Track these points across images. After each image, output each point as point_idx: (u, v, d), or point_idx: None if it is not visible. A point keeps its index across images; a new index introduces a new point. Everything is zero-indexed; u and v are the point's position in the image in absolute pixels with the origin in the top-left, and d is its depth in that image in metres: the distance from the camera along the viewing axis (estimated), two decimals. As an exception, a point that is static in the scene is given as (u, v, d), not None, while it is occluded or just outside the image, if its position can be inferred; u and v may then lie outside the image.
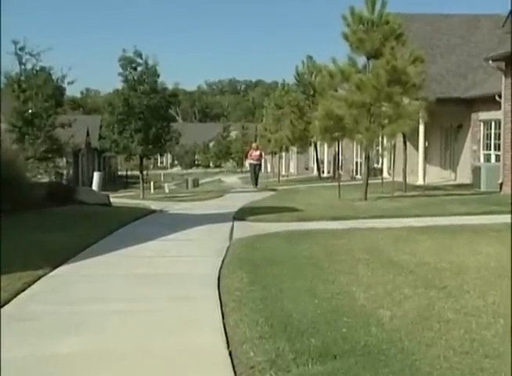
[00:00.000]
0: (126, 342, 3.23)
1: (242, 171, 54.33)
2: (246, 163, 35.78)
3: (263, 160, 27.42)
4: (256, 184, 20.82)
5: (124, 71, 18.55)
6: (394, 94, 11.31)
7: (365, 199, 12.17)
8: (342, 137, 12.61)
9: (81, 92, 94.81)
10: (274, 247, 6.22)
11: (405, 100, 12.00)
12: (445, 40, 19.50)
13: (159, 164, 74.43)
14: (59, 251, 5.79)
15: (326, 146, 29.00)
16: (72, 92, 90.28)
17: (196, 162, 71.79)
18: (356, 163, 26.36)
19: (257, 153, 21.04)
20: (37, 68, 19.55)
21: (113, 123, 18.40)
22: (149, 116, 18.22)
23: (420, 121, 13.60)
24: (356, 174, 25.87)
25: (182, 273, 5.08)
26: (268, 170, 37.62)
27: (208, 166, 68.90)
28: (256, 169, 20.99)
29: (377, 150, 20.33)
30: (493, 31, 18.62)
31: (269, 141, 27.92)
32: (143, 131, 18.13)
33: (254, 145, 22.47)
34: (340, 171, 21.20)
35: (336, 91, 12.71)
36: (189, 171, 62.04)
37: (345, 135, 12.14)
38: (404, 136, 14.88)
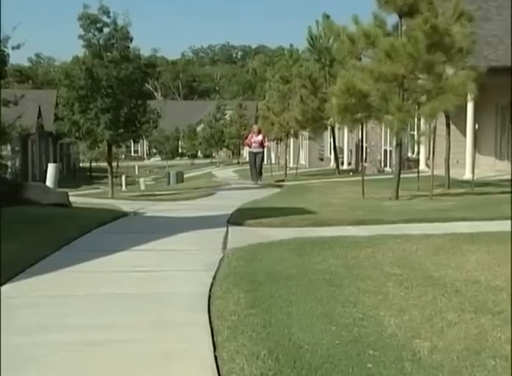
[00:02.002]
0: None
1: (239, 163, 54.51)
2: (246, 152, 35.77)
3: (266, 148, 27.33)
4: (257, 179, 20.79)
5: (85, 33, 18.53)
6: (435, 62, 11.33)
7: (397, 198, 12.25)
8: (367, 119, 12.68)
9: (30, 60, 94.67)
10: (280, 259, 6.28)
11: (449, 70, 12.03)
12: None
13: (132, 154, 74.59)
14: (1, 267, 5.77)
15: (346, 130, 29.29)
16: (18, 59, 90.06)
17: (181, 151, 71.91)
18: (385, 152, 26.50)
19: (259, 138, 20.82)
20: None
21: (73, 100, 18.41)
22: (120, 91, 18.25)
23: (469, 97, 13.57)
24: (385, 166, 26.12)
25: (162, 293, 5.13)
26: (272, 161, 37.75)
27: (196, 156, 69.02)
28: (257, 160, 20.83)
29: (412, 136, 20.40)
30: None
31: (273, 124, 28.06)
32: (112, 111, 18.15)
33: (254, 127, 22.33)
34: (365, 163, 21.28)
35: (359, 60, 12.78)
36: (172, 162, 62.22)
37: (371, 117, 12.22)
38: (447, 117, 14.90)
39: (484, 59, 15.82)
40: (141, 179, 33.01)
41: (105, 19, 18.51)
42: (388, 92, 11.58)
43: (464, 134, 18.16)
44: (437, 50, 11.33)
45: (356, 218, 9.35)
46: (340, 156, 30.11)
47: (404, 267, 5.74)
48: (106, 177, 21.86)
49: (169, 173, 33.91)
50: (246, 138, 22.12)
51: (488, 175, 17.86)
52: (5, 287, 5.27)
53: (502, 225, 8.23)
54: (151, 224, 9.81)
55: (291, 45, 31.59)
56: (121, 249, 7.04)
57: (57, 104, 26.83)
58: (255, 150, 20.84)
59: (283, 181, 22.35)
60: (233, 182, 24.68)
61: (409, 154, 23.17)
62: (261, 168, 21.13)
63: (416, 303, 4.54)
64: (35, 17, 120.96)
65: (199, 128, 68.18)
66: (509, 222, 8.61)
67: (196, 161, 65.15)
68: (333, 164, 31.59)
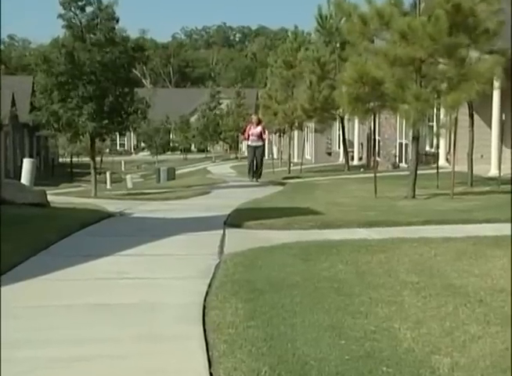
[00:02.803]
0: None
1: (237, 158, 54.60)
2: (245, 146, 35.74)
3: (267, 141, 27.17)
4: (257, 176, 20.55)
5: (66, 12, 18.50)
6: (458, 45, 11.33)
7: (414, 197, 12.28)
8: (380, 109, 12.89)
9: (2, 43, 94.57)
10: (282, 265, 6.30)
11: (474, 54, 11.99)
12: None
13: (118, 148, 74.61)
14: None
15: (357, 121, 29.29)
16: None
17: (172, 145, 71.85)
18: (400, 146, 26.53)
19: (258, 129, 20.53)
20: None
21: (52, 87, 18.39)
22: (104, 78, 18.24)
23: (495, 84, 13.55)
24: (400, 161, 26.09)
25: (152, 303, 5.14)
26: (274, 155, 37.78)
27: (189, 150, 69.01)
28: (257, 154, 20.47)
29: (431, 127, 20.35)
30: None
31: (276, 114, 27.97)
32: (95, 100, 18.14)
33: (253, 117, 22.05)
34: (378, 158, 21.25)
35: (372, 42, 12.84)
36: (162, 157, 62.21)
37: (385, 106, 12.32)
38: (470, 107, 14.89)
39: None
40: (128, 176, 32.93)
41: (87, -4, 18.53)
42: (404, 78, 11.60)
43: (489, 125, 18.15)
44: (460, 31, 11.34)
45: (368, 219, 9.35)
46: (349, 150, 30.08)
47: (421, 274, 5.74)
48: (89, 174, 21.90)
49: (159, 169, 33.91)
50: (245, 130, 21.84)
51: (517, 172, 17.86)
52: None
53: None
54: (139, 226, 9.84)
55: (296, 27, 31.42)
56: (106, 254, 7.05)
57: (33, 92, 26.90)
58: (254, 144, 20.54)
59: (286, 178, 22.39)
60: (231, 179, 24.69)
61: (428, 148, 23.17)
62: (261, 164, 20.78)
63: (435, 314, 4.53)
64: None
65: (192, 119, 68.04)
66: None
67: (190, 156, 65.18)
68: (342, 159, 31.65)
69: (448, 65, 11.71)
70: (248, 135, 20.76)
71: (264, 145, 21.58)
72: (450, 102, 11.65)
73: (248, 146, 21.48)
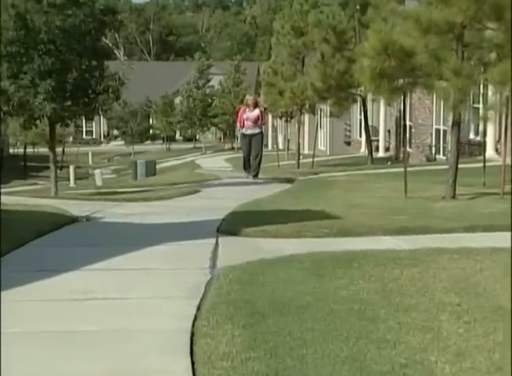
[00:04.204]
0: None
1: (233, 148, 54.51)
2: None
3: (267, 127, 26.91)
4: (254, 171, 19.99)
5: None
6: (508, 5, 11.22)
7: (454, 197, 12.24)
8: (412, 87, 12.81)
9: None
10: (290, 281, 6.30)
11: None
12: None
13: (85, 136, 74.63)
14: None
15: (382, 103, 29.17)
16: None
17: (152, 132, 71.81)
18: (437, 133, 26.66)
19: (255, 113, 19.98)
20: None
21: None
22: (66, 48, 18.11)
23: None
24: (437, 152, 26.23)
25: (128, 330, 5.15)
26: (280, 146, 37.72)
27: (173, 139, 69.00)
28: (254, 144, 19.89)
29: (476, 110, 20.29)
30: None
31: (282, 94, 27.99)
32: (55, 76, 18.05)
33: (249, 98, 21.19)
34: (409, 148, 21.16)
35: (400, 3, 13.01)
36: (139, 148, 62.18)
37: (417, 84, 12.28)
38: (524, 84, 14.85)
39: None
40: (96, 171, 32.86)
41: None
42: (441, 48, 11.63)
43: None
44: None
45: (396, 224, 9.34)
46: (373, 139, 30.22)
47: (463, 294, 5.74)
48: (47, 168, 21.79)
49: (136, 163, 34.08)
50: (238, 115, 20.92)
51: None
52: None
53: None
54: (111, 233, 9.85)
55: (306, -16, 31.41)
56: (69, 268, 7.03)
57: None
58: (249, 131, 19.86)
59: (294, 174, 22.30)
60: (226, 175, 24.54)
61: (472, 136, 23.18)
62: (259, 158, 20.10)
63: (480, 344, 4.51)
64: None
65: (177, 100, 67.72)
66: None
67: (174, 146, 65.14)
68: (364, 149, 31.92)
69: (497, 30, 11.67)
70: (243, 121, 20.11)
71: (262, 133, 20.67)
72: (499, 76, 11.53)
73: (242, 134, 20.49)
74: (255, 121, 19.96)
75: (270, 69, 31.14)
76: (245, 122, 20.03)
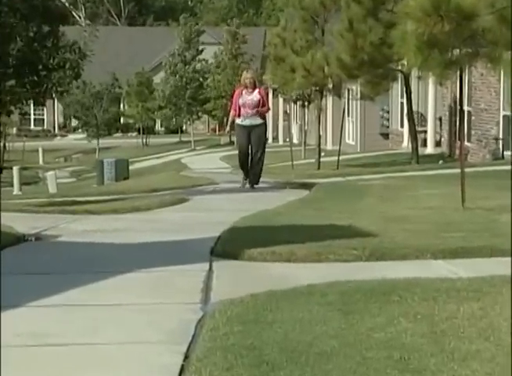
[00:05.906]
0: None
1: (232, 143, 50.29)
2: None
3: (277, 115, 24.66)
4: (254, 179, 17.48)
5: None
6: None
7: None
8: (472, 60, 12.16)
9: None
10: (309, 320, 5.99)
11: None
12: None
13: (33, 127, 72.39)
14: None
15: (431, 82, 27.93)
16: None
17: (124, 121, 68.76)
18: (505, 121, 25.30)
19: (255, 97, 17.41)
20: None
21: None
22: (8, 9, 16.77)
23: None
24: (505, 148, 24.81)
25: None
26: (295, 139, 36.31)
27: (152, 131, 65.39)
28: (253, 139, 17.37)
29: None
30: None
31: (294, 71, 25.75)
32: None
33: (246, 75, 18.38)
34: (468, 142, 20.73)
35: None
36: (107, 142, 59.56)
37: (479, 56, 11.70)
38: None
39: None
40: (49, 174, 31.78)
41: None
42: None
43: None
44: None
45: (450, 244, 8.89)
46: (420, 129, 29.00)
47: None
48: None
49: (102, 162, 32.72)
50: (232, 99, 18.46)
51: None
52: None
53: None
54: (69, 257, 9.38)
55: None
56: (14, 304, 6.66)
57: None
58: (247, 122, 17.17)
59: (313, 176, 21.28)
60: (222, 178, 23.49)
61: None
62: (261, 158, 17.59)
63: None
64: None
65: (157, 79, 62.39)
66: None
67: (153, 140, 61.37)
68: (406, 144, 30.44)
69: None
70: (238, 108, 17.49)
71: (265, 124, 18.31)
72: None
73: (238, 125, 17.88)
74: (255, 108, 17.34)
75: (278, 38, 29.22)
76: (241, 109, 17.45)
